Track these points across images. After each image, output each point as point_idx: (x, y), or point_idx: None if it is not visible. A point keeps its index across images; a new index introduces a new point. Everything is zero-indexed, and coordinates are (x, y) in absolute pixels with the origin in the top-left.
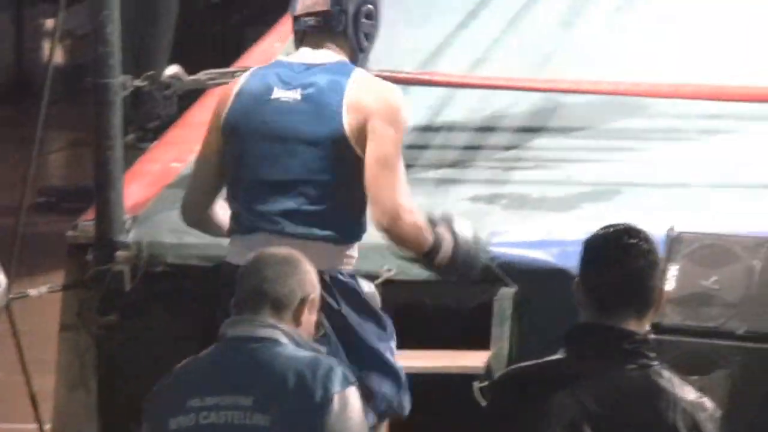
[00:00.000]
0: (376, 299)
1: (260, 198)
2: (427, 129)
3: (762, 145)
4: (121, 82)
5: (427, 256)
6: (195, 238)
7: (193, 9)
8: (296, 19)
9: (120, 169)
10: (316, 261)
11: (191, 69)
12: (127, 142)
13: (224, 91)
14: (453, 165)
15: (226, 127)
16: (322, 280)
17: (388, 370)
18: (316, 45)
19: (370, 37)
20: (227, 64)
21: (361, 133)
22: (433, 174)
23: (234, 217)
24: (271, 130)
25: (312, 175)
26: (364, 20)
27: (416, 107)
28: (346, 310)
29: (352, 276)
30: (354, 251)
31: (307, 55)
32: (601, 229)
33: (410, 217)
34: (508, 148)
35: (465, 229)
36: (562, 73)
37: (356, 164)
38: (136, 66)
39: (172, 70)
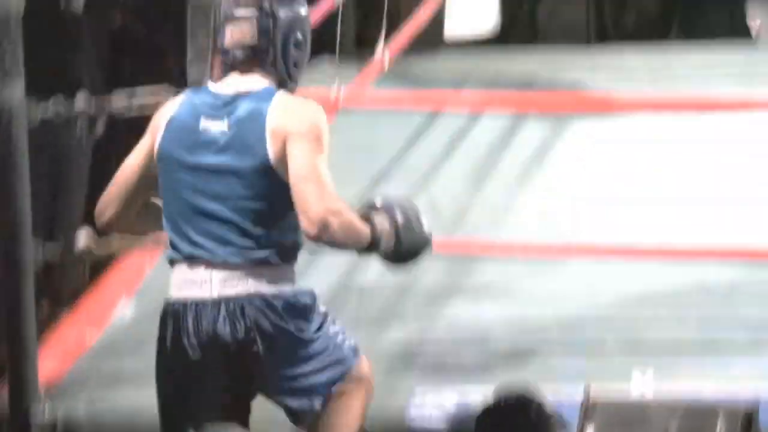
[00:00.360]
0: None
1: (198, 228)
2: (338, 294)
3: (672, 308)
4: (32, 252)
5: (369, 248)
6: (109, 408)
7: (103, 167)
8: (224, 51)
9: (34, 342)
10: (257, 285)
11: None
12: (40, 313)
13: (161, 114)
14: (368, 329)
15: (158, 155)
16: (269, 305)
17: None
18: (245, 71)
19: (299, 64)
20: None
21: (284, 158)
22: (347, 339)
23: (173, 245)
24: (201, 162)
25: (244, 205)
26: (292, 49)
27: (328, 272)
28: (295, 327)
29: (297, 295)
30: (293, 272)
31: (236, 82)
32: (493, 400)
33: (338, 219)
34: (422, 311)
35: (406, 214)
36: (474, 233)
37: (284, 189)
38: (49, 233)
39: (84, 239)
